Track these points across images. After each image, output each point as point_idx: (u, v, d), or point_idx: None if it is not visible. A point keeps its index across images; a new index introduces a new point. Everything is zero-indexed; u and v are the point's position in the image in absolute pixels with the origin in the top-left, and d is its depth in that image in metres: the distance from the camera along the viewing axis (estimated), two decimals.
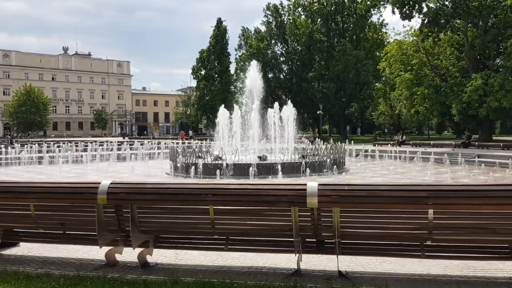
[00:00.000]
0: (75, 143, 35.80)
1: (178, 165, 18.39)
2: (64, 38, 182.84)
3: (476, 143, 30.40)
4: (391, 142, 37.88)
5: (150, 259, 4.91)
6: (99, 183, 4.63)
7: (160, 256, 5.13)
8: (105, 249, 4.86)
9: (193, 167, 16.99)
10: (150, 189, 4.67)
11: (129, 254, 5.00)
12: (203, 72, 68.77)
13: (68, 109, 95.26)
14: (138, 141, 42.10)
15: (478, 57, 36.78)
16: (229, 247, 4.72)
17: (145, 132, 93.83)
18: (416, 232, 4.22)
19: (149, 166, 21.55)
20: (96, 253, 5.18)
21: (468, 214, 4.03)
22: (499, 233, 4.07)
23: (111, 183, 4.62)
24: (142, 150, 29.48)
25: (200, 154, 18.64)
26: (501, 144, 28.57)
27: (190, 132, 69.26)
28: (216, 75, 68.20)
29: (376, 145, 37.41)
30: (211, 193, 4.43)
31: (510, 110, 30.54)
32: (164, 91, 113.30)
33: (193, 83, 76.24)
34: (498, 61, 33.88)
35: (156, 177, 17.96)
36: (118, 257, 4.99)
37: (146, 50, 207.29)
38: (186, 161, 18.17)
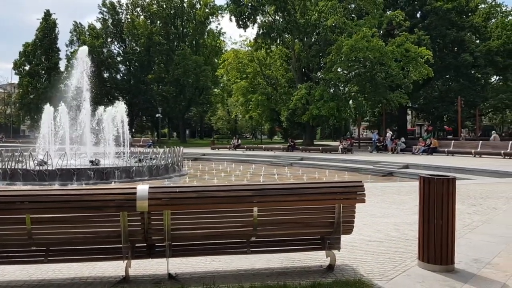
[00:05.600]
0: None
1: None
2: None
3: (301, 147, 33.75)
4: (228, 146, 39.53)
5: None
6: None
7: None
8: None
9: (12, 173, 15.11)
10: None
11: None
12: (27, 68, 61.67)
13: None
14: None
15: (303, 69, 40.90)
16: (49, 258, 4.29)
17: None
18: (243, 230, 4.45)
19: None
20: None
21: (287, 210, 4.44)
22: (312, 226, 4.57)
23: None
24: None
25: (20, 158, 16.61)
26: (320, 148, 32.35)
27: None
28: (43, 72, 61.84)
29: (214, 149, 38.63)
30: (28, 200, 3.99)
31: (327, 118, 34.62)
32: None
33: (15, 79, 67.88)
34: (319, 74, 38.14)
35: None
36: None
37: None
38: (4, 167, 16.07)
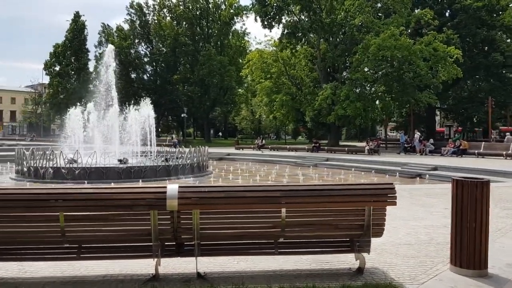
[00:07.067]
0: None
1: (25, 169, 16.62)
2: None
3: (326, 148, 33.47)
4: (252, 146, 39.58)
5: None
6: None
7: (0, 270, 4.56)
8: None
9: (43, 171, 15.50)
10: None
11: None
12: (57, 68, 63.25)
13: None
14: None
15: (328, 69, 40.62)
16: (82, 255, 4.38)
17: None
18: (271, 230, 4.45)
19: None
20: None
21: (316, 212, 4.40)
22: (341, 228, 4.52)
23: None
24: None
25: (51, 157, 17.02)
26: (346, 148, 31.99)
27: None
28: (73, 72, 63.28)
29: (239, 149, 38.74)
30: (61, 199, 4.08)
31: (353, 118, 34.27)
32: (10, 87, 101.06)
33: (46, 80, 69.72)
34: (345, 74, 37.77)
35: None
36: None
37: None
38: (35, 165, 16.50)
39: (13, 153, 19.17)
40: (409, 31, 37.43)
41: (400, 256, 5.25)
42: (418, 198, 10.01)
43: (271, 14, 36.76)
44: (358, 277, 4.45)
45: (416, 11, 38.52)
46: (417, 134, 31.48)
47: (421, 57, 30.94)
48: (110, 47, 25.44)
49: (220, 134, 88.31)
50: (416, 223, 7.24)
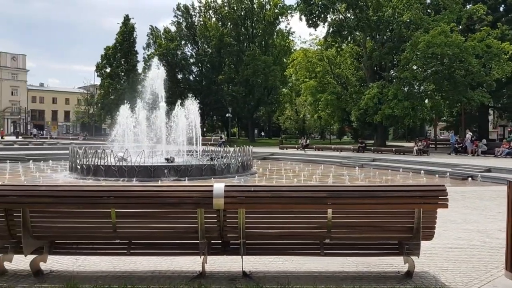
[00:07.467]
0: None
1: (78, 166, 17.37)
2: None
3: (372, 148, 32.78)
4: (296, 146, 39.42)
5: (44, 266, 4.56)
6: None
7: (56, 263, 4.80)
8: None
9: (95, 168, 16.15)
10: (43, 191, 4.32)
11: (20, 262, 4.62)
12: (108, 70, 65.76)
13: None
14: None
15: (375, 68, 39.75)
16: (131, 251, 4.52)
17: (41, 132, 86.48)
18: (316, 231, 4.41)
19: (49, 168, 20.12)
20: None
21: (363, 213, 4.32)
22: (389, 231, 4.41)
23: (0, 185, 4.21)
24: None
25: (102, 155, 17.70)
26: (394, 149, 31.17)
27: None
28: (123, 73, 65.57)
29: (283, 149, 38.71)
30: (113, 196, 4.22)
31: (401, 118, 33.35)
32: (64, 88, 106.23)
33: (97, 81, 72.61)
34: (392, 72, 36.83)
35: (55, 179, 16.78)
36: (8, 265, 4.57)
37: (43, 44, 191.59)
38: (88, 163, 17.22)
39: (67, 151, 20.09)
40: (460, 27, 35.99)
41: (451, 261, 5.05)
42: (471, 201, 9.60)
43: (316, 12, 36.41)
44: (407, 281, 4.32)
45: (468, 6, 36.99)
46: (469, 134, 30.20)
47: (473, 54, 29.66)
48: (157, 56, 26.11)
49: (263, 133, 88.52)
50: (468, 226, 6.94)
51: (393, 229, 4.38)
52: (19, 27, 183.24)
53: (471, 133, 31.36)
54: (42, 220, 4.39)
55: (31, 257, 4.39)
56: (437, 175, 19.03)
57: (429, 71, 32.39)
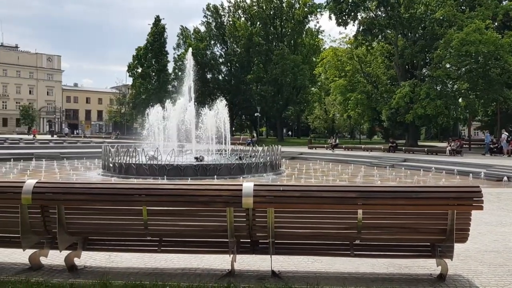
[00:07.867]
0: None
1: (111, 165, 17.77)
2: None
3: (403, 148, 32.16)
4: (325, 146, 39.10)
5: (78, 262, 4.69)
6: (24, 182, 4.35)
7: (90, 258, 4.93)
8: (29, 252, 4.58)
9: (127, 167, 16.48)
10: (78, 188, 4.45)
11: (55, 257, 4.77)
12: (139, 70, 66.97)
13: None
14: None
15: (407, 66, 38.97)
16: (162, 248, 4.60)
17: (76, 131, 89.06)
18: (346, 232, 4.36)
19: (83, 166, 20.68)
20: (18, 256, 4.87)
21: (394, 214, 4.24)
22: (422, 232, 4.32)
23: (37, 182, 4.35)
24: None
25: (134, 154, 18.06)
26: (426, 149, 30.50)
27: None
28: (153, 74, 66.64)
29: (311, 148, 38.47)
30: (145, 194, 4.30)
31: (434, 117, 32.59)
32: (98, 88, 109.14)
33: (129, 81, 74.12)
34: (425, 71, 36.06)
35: (88, 177, 17.24)
36: (44, 260, 4.73)
37: (77, 45, 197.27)
38: (120, 161, 17.60)
39: (100, 150, 20.60)
40: (496, 24, 34.87)
41: (486, 264, 4.91)
42: (507, 203, 9.29)
43: (346, 11, 36.03)
44: (439, 284, 4.23)
45: (504, 2, 35.76)
46: (505, 134, 29.20)
47: (510, 51, 28.68)
48: (189, 53, 26.48)
49: (290, 133, 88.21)
50: (504, 229, 6.73)
51: (426, 230, 4.29)
52: (54, 28, 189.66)
53: (507, 133, 30.29)
54: (76, 216, 4.51)
55: (65, 252, 4.52)
56: (471, 176, 18.49)
57: (463, 69, 31.53)
